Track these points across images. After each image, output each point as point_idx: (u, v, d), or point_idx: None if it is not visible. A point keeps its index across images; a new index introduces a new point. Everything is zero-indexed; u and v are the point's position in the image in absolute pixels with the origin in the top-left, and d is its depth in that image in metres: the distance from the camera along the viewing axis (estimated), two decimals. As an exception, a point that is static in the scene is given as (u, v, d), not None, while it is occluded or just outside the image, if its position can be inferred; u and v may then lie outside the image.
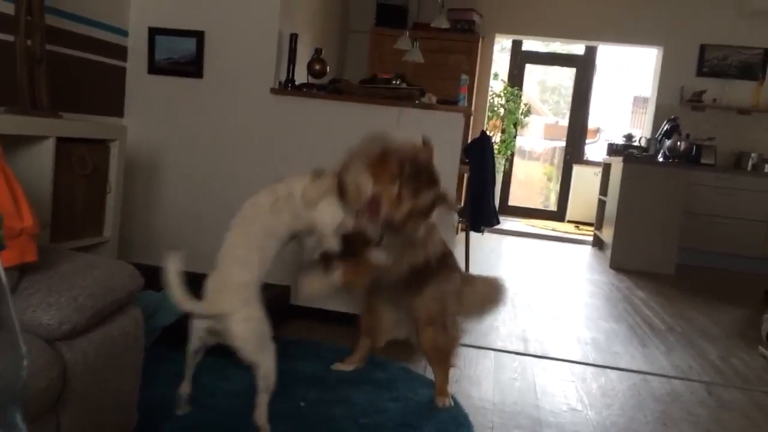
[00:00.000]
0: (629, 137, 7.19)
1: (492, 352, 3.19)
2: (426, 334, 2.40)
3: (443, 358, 2.44)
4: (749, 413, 2.71)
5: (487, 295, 2.61)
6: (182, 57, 3.51)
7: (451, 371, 2.51)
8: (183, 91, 3.54)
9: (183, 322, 2.61)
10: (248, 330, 1.90)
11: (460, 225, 5.32)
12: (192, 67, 3.51)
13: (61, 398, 1.45)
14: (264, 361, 1.92)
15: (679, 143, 6.46)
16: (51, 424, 1.44)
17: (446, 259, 2.46)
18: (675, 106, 7.03)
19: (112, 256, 2.86)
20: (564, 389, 2.78)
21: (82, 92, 3.26)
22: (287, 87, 3.52)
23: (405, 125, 3.29)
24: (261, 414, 1.93)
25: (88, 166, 2.63)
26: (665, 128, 6.63)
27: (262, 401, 1.93)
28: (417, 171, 1.99)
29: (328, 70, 3.81)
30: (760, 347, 3.68)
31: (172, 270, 1.80)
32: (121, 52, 3.52)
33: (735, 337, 3.98)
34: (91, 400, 1.55)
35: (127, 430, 1.77)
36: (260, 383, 1.92)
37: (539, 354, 3.24)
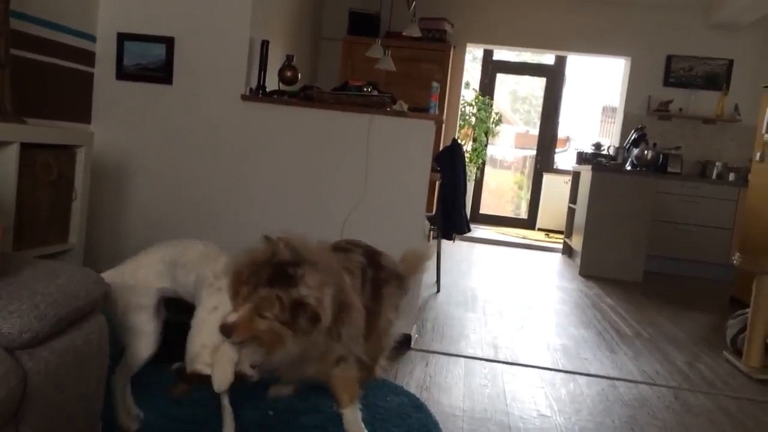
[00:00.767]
0: (598, 146, 7.29)
1: (462, 359, 3.20)
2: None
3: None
4: (715, 417, 2.76)
5: (413, 266, 2.50)
6: (151, 63, 3.48)
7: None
8: (152, 98, 3.50)
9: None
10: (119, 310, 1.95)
11: (431, 232, 5.34)
12: (161, 73, 3.49)
13: (21, 409, 1.41)
14: (130, 342, 1.96)
15: (646, 152, 6.57)
16: (11, 435, 1.40)
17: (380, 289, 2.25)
18: (642, 115, 7.16)
19: (78, 264, 2.81)
20: (533, 395, 2.80)
21: (48, 98, 3.21)
22: (258, 94, 3.51)
23: (376, 132, 3.30)
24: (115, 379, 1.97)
25: (53, 172, 2.58)
26: (633, 137, 6.75)
27: (119, 378, 1.99)
28: (256, 270, 1.76)
29: (299, 77, 3.80)
30: (724, 352, 3.75)
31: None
32: (88, 58, 3.48)
33: (701, 342, 4.04)
34: (52, 410, 1.51)
35: (90, 440, 1.73)
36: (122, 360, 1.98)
37: (509, 360, 3.26)
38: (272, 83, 3.71)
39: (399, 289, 2.36)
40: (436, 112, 3.52)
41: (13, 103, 2.54)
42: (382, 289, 2.24)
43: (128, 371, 1.99)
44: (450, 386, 2.79)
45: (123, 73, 3.51)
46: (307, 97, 3.45)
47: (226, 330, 1.72)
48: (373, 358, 2.29)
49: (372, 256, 2.26)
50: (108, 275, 1.92)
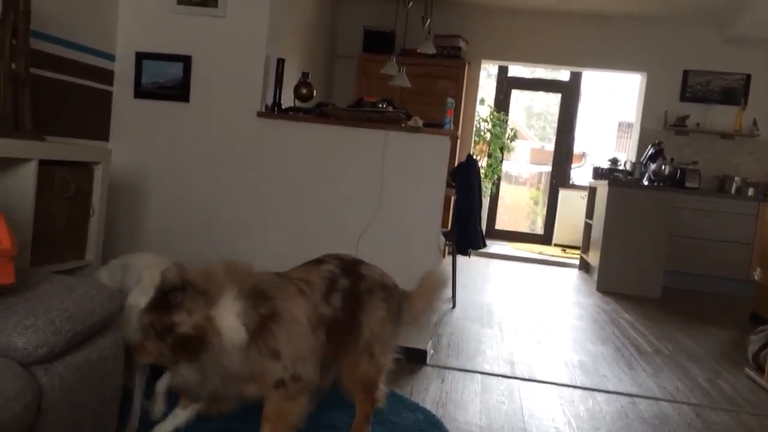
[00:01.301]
0: (614, 161, 7.25)
1: (479, 375, 3.17)
2: (347, 363, 2.11)
3: (366, 388, 2.16)
4: (737, 435, 2.71)
5: (430, 291, 2.34)
6: (169, 81, 3.51)
7: (377, 402, 2.23)
8: (169, 115, 3.54)
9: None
10: None
11: (446, 248, 5.32)
12: (178, 91, 3.52)
13: (36, 424, 1.42)
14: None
15: (663, 167, 6.52)
16: (26, 450, 1.41)
17: (370, 291, 2.15)
18: (659, 130, 7.12)
19: (96, 281, 2.83)
20: (551, 412, 2.76)
21: (68, 116, 3.26)
22: (274, 111, 3.53)
23: (391, 148, 3.30)
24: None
25: (71, 188, 2.61)
26: (650, 152, 6.70)
27: None
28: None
29: (314, 93, 3.83)
30: (746, 369, 3.68)
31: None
32: (107, 76, 3.52)
33: (721, 359, 3.98)
34: (67, 425, 1.52)
35: (105, 456, 1.73)
36: None
37: (526, 377, 3.22)
38: (288, 100, 3.74)
39: (386, 302, 2.16)
40: (451, 128, 3.52)
41: (32, 120, 2.58)
42: (361, 299, 2.10)
43: None
44: (466, 403, 2.76)
45: (141, 92, 3.55)
46: (322, 113, 3.47)
47: (129, 351, 1.80)
48: (369, 379, 2.15)
49: (351, 266, 2.15)
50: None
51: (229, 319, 1.72)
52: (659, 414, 2.86)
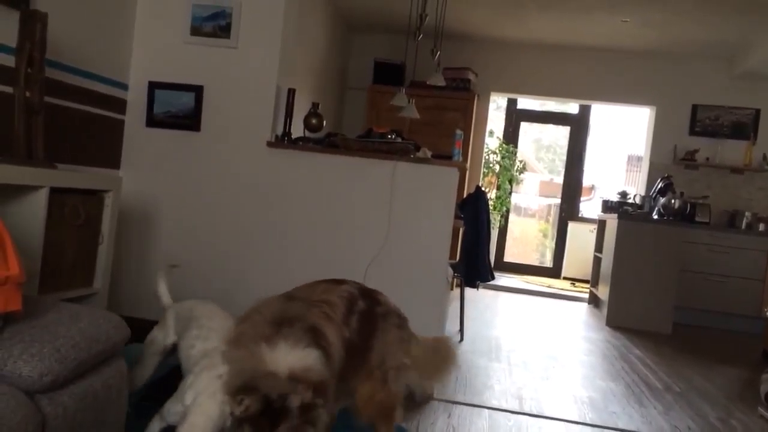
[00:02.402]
0: (624, 194, 7.23)
1: (486, 410, 3.12)
2: (363, 390, 2.05)
3: (385, 415, 2.09)
4: (750, 477, 2.64)
5: (438, 353, 2.29)
6: (180, 110, 3.55)
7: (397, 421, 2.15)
8: (180, 144, 3.57)
9: (170, 376, 2.57)
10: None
11: (455, 280, 5.29)
12: (190, 120, 3.56)
13: (38, 454, 1.40)
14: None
15: (673, 201, 6.50)
16: (27, 481, 1.39)
17: (384, 317, 2.13)
18: (668, 164, 7.11)
19: (102, 308, 2.82)
20: (560, 450, 2.71)
21: (80, 144, 3.29)
22: (284, 140, 3.55)
23: (400, 179, 3.31)
24: None
25: (81, 216, 2.62)
26: (659, 186, 6.68)
27: None
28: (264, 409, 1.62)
29: (324, 124, 3.86)
30: (759, 408, 3.61)
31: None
32: (120, 105, 3.57)
33: (734, 397, 3.90)
34: (69, 456, 1.50)
35: (107, 487, 1.71)
36: None
37: (535, 413, 3.17)
38: (298, 130, 3.77)
39: (401, 329, 2.15)
40: (460, 159, 3.53)
41: (44, 148, 2.60)
42: (376, 323, 2.08)
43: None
44: (473, 439, 2.71)
45: (153, 121, 3.59)
46: (331, 143, 3.49)
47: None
48: (387, 406, 2.08)
49: (368, 291, 2.16)
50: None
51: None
52: (671, 453, 2.80)
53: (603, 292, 6.40)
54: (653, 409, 3.46)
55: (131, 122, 3.61)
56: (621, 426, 3.10)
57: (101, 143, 3.47)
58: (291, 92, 3.65)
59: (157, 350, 2.10)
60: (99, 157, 3.45)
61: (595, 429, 3.03)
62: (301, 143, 3.57)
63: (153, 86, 3.58)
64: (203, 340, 1.93)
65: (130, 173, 3.58)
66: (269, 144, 3.48)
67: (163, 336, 2.10)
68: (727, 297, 6.37)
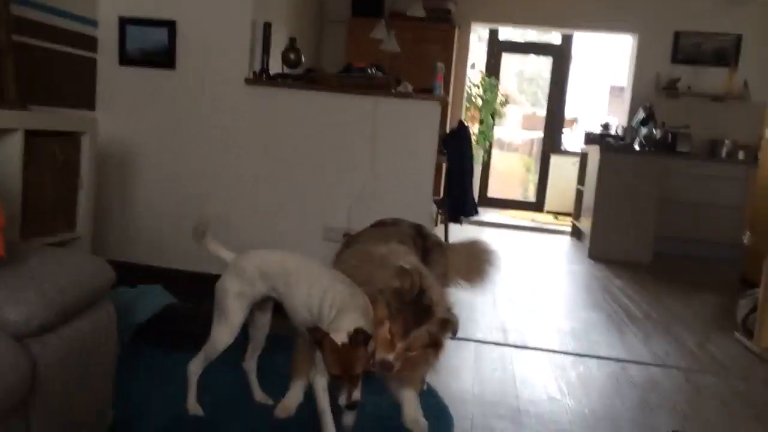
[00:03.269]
0: (606, 126, 7.23)
1: (472, 343, 3.19)
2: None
3: (433, 344, 2.06)
4: (726, 398, 2.74)
5: (475, 257, 2.55)
6: (154, 47, 3.45)
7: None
8: (156, 83, 3.48)
9: (160, 318, 2.58)
10: (221, 289, 1.92)
11: (439, 216, 5.31)
12: (164, 57, 3.46)
13: (30, 397, 1.41)
14: (215, 327, 1.93)
15: (654, 131, 6.51)
16: (21, 423, 1.40)
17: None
18: (650, 93, 7.08)
19: (86, 253, 2.81)
20: (543, 379, 2.79)
21: (51, 84, 3.19)
22: (261, 77, 3.48)
23: (381, 115, 3.27)
24: (192, 364, 1.98)
25: (59, 159, 2.57)
26: (641, 116, 6.67)
27: (199, 356, 1.98)
28: (402, 309, 1.80)
29: (303, 59, 3.77)
30: (736, 333, 3.73)
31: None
32: (90, 43, 3.45)
33: (711, 323, 4.02)
34: (63, 397, 1.51)
35: (102, 427, 1.73)
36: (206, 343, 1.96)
37: (519, 344, 3.25)
38: (276, 66, 3.68)
39: (442, 257, 2.36)
40: (441, 93, 3.48)
41: (16, 90, 2.52)
42: (429, 257, 2.27)
43: (207, 357, 1.97)
44: (459, 371, 2.78)
45: (126, 59, 3.48)
46: (311, 80, 3.42)
47: (386, 367, 1.79)
48: (434, 337, 2.06)
49: (416, 227, 2.37)
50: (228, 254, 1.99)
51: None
52: (649, 378, 2.90)
53: (585, 224, 6.47)
54: (633, 336, 3.56)
55: (104, 61, 3.50)
56: (602, 354, 3.19)
57: (74, 84, 3.37)
58: (267, 26, 3.54)
59: (247, 304, 1.96)
60: (73, 98, 3.36)
61: (577, 357, 3.12)
62: (279, 80, 3.49)
63: (124, 22, 3.46)
64: (324, 297, 1.84)
65: (105, 114, 3.50)
66: (247, 81, 3.40)
67: (251, 289, 1.94)
68: (707, 225, 6.48)
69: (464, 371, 2.77)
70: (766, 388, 2.92)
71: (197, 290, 2.90)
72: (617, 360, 3.12)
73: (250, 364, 2.16)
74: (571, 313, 3.96)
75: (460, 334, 3.22)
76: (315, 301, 1.85)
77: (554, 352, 3.18)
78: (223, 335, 1.92)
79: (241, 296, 1.91)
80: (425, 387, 2.17)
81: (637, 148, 6.54)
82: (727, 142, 6.74)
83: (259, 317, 2.07)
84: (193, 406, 2.03)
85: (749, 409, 2.65)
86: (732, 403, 2.70)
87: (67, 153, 2.64)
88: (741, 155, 6.60)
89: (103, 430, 1.74)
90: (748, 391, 2.87)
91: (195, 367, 1.99)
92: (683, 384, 2.87)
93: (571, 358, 3.11)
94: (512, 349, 3.16)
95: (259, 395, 2.18)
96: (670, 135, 6.63)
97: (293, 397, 2.14)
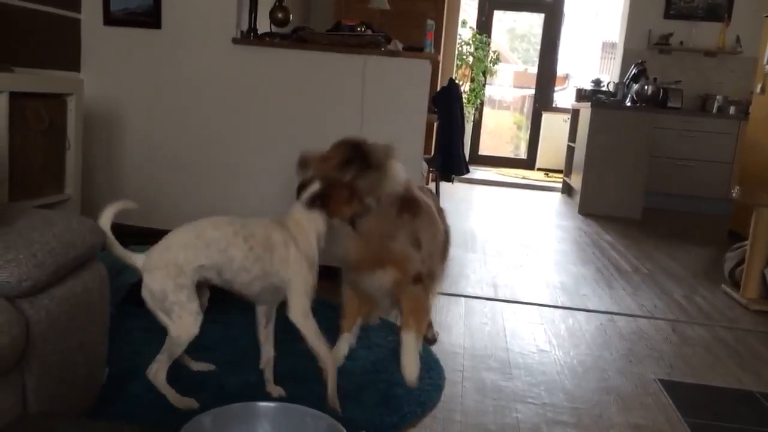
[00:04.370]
0: (597, 83, 7.20)
1: (462, 298, 3.23)
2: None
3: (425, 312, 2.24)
4: (711, 347, 2.80)
5: None
6: (139, 7, 3.39)
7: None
8: (141, 43, 3.43)
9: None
10: (157, 290, 1.77)
11: (430, 175, 5.32)
12: (150, 17, 3.40)
13: (25, 356, 1.43)
14: (171, 327, 1.79)
15: (646, 87, 6.49)
16: (16, 383, 1.42)
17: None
18: (642, 50, 7.04)
19: (76, 214, 2.81)
20: (533, 332, 2.84)
21: (35, 46, 3.14)
22: (249, 36, 3.43)
23: (371, 73, 3.24)
24: (153, 372, 1.82)
25: (45, 121, 2.55)
26: (632, 73, 6.65)
27: (160, 360, 1.82)
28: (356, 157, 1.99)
29: (291, 18, 3.72)
30: (723, 285, 3.79)
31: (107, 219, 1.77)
32: (74, 3, 3.39)
33: (699, 276, 4.08)
34: (56, 357, 1.53)
35: (96, 385, 1.76)
36: (164, 344, 1.82)
37: (509, 299, 3.29)
38: (264, 25, 3.63)
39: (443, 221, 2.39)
40: (432, 51, 3.45)
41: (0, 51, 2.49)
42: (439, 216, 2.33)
43: (171, 356, 1.82)
44: (450, 325, 2.82)
45: (110, 19, 3.42)
46: (299, 38, 3.38)
47: (302, 161, 1.97)
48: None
49: (420, 187, 2.39)
50: (137, 257, 1.82)
51: (398, 167, 2.07)
52: (637, 330, 2.95)
53: (576, 181, 6.50)
54: (622, 290, 3.61)
55: (88, 21, 3.44)
56: (591, 307, 3.24)
57: (58, 45, 3.32)
58: (254, -16, 3.48)
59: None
60: (57, 59, 3.31)
61: (566, 311, 3.17)
62: (267, 39, 3.45)
63: (107, -19, 3.39)
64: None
65: (91, 75, 3.45)
66: (234, 41, 3.36)
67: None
68: (697, 181, 6.52)
69: (455, 326, 2.82)
70: (750, 337, 2.99)
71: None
72: (606, 313, 3.17)
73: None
74: (561, 268, 4.00)
75: (451, 290, 3.28)
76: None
77: (544, 306, 3.23)
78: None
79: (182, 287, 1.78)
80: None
81: (628, 104, 6.53)
82: (718, 97, 6.73)
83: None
84: (183, 402, 1.87)
85: (734, 358, 2.71)
86: (717, 351, 2.76)
87: (53, 115, 2.62)
88: (732, 110, 6.60)
89: (97, 386, 1.77)
90: (733, 340, 2.93)
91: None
92: (670, 334, 2.93)
93: (560, 311, 3.16)
94: (502, 303, 3.21)
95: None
96: (661, 91, 6.61)
97: (341, 349, 2.22)
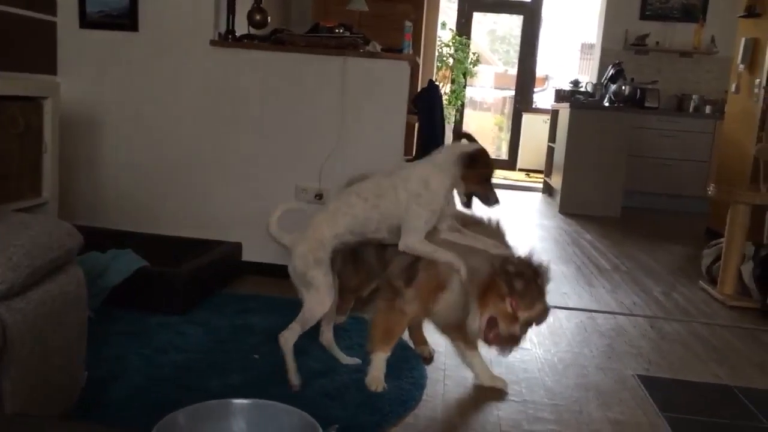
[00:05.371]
0: (576, 83, 7.26)
1: (444, 297, 3.24)
2: None
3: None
4: (688, 343, 2.84)
5: None
6: (115, 9, 3.37)
7: None
8: (118, 46, 3.41)
9: (131, 282, 2.59)
10: (300, 265, 2.04)
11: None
12: (126, 19, 3.38)
13: (2, 360, 1.42)
14: (307, 299, 2.06)
15: (623, 87, 6.56)
16: (-8, 386, 1.41)
17: None
18: (620, 50, 7.12)
19: (53, 218, 2.78)
20: (514, 330, 2.85)
21: (10, 49, 3.11)
22: (227, 38, 3.42)
23: (350, 75, 3.25)
24: (285, 337, 2.07)
25: (21, 124, 2.53)
26: (610, 73, 6.72)
27: (293, 328, 2.07)
28: (527, 285, 2.07)
29: (269, 20, 3.71)
30: (700, 282, 3.84)
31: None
32: (49, 5, 3.36)
33: (677, 273, 4.13)
34: (34, 360, 1.52)
35: (74, 389, 1.75)
36: (299, 315, 2.07)
37: (490, 297, 3.30)
38: (242, 28, 3.62)
39: None
40: (411, 52, 3.47)
41: (-27, 55, 2.47)
42: None
43: (304, 326, 2.07)
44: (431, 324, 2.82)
45: (87, 21, 3.40)
46: (278, 40, 3.38)
47: (514, 339, 2.05)
48: None
49: None
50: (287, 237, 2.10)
51: None
52: (616, 327, 2.99)
53: (556, 180, 6.55)
54: (601, 288, 3.64)
55: (63, 24, 3.41)
56: (571, 305, 3.27)
57: (34, 48, 3.29)
58: (232, -14, 3.48)
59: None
60: (32, 62, 3.28)
61: (547, 309, 3.19)
62: (246, 41, 3.44)
63: (83, -16, 3.36)
64: None
65: (68, 78, 3.42)
66: (212, 43, 3.35)
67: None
68: (675, 179, 6.60)
69: (436, 325, 2.82)
70: (727, 332, 3.03)
71: (165, 253, 2.91)
72: (586, 310, 3.20)
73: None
74: (541, 268, 4.03)
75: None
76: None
77: (525, 304, 3.24)
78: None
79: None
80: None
81: (606, 104, 6.60)
82: (694, 97, 6.83)
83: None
84: (295, 377, 2.09)
85: (711, 353, 2.75)
86: (694, 347, 2.80)
87: (30, 118, 2.60)
88: (708, 110, 6.69)
89: (76, 391, 1.75)
90: (711, 335, 2.97)
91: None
92: (648, 331, 2.96)
93: (540, 310, 3.18)
94: (484, 303, 3.22)
95: (345, 359, 2.31)
96: (638, 91, 6.69)
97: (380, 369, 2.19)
